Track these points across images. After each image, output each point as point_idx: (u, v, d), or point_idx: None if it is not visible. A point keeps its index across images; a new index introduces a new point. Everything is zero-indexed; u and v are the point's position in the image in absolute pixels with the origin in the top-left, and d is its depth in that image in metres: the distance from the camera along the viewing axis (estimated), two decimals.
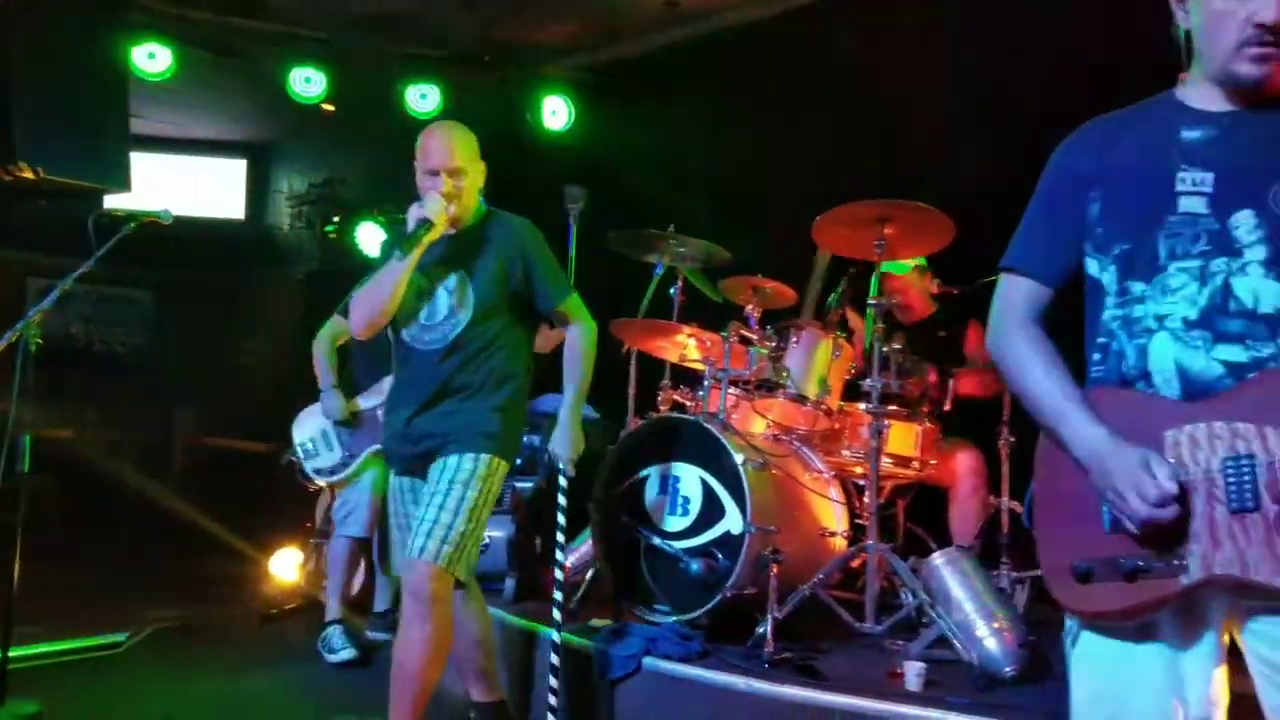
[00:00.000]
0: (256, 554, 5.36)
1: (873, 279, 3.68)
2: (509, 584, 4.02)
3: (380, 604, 4.54)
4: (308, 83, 5.92)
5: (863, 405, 3.74)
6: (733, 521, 3.48)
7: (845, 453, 3.94)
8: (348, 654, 4.19)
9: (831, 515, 3.78)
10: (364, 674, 4.10)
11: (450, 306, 2.96)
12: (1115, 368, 1.66)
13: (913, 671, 2.97)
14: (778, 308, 4.12)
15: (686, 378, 4.35)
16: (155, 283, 8.72)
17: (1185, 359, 1.58)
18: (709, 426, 3.59)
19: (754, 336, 3.89)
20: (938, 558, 3.33)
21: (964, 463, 4.04)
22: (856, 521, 3.84)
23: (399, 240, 2.89)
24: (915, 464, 3.86)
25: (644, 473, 3.72)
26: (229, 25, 5.76)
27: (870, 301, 3.66)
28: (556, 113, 6.13)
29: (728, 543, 3.47)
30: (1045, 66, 4.44)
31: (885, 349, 3.65)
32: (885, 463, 3.80)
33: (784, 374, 3.78)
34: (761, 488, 3.50)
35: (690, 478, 3.62)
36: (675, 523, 3.61)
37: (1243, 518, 1.47)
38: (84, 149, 5.11)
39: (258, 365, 7.96)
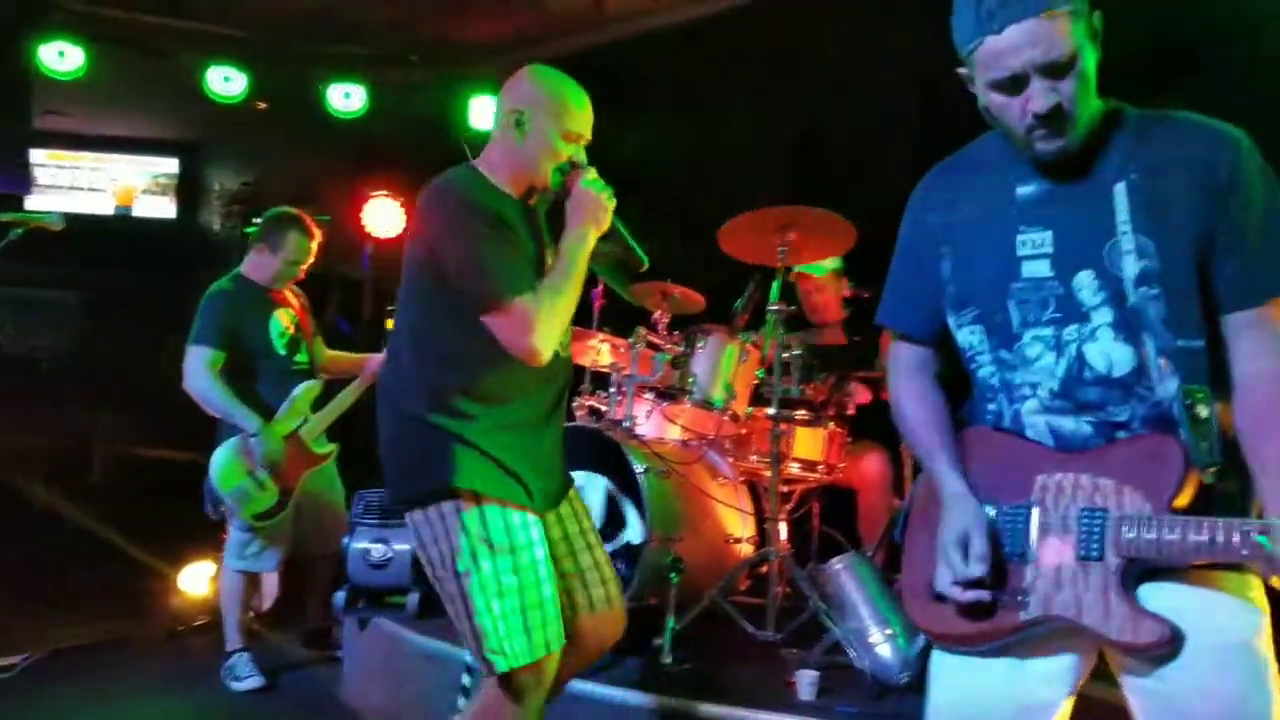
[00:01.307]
0: (167, 568, 5.22)
1: (774, 284, 3.65)
2: (412, 598, 3.93)
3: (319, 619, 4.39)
4: (227, 81, 5.81)
5: (768, 410, 3.71)
6: (634, 531, 3.44)
7: (753, 458, 3.92)
8: (254, 682, 3.97)
9: (737, 521, 3.76)
10: (273, 697, 3.96)
11: None
12: (993, 424, 1.73)
13: (806, 680, 2.94)
14: (686, 313, 4.08)
15: (606, 383, 4.31)
16: (83, 284, 8.52)
17: (1055, 423, 1.65)
18: (610, 435, 3.54)
19: (661, 342, 3.85)
20: (836, 563, 3.31)
21: (871, 465, 4.03)
22: (764, 527, 3.81)
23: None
24: (822, 468, 3.84)
25: None
26: (144, 23, 5.63)
27: (770, 307, 3.63)
28: (485, 112, 6.05)
29: (628, 553, 3.42)
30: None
31: (786, 354, 3.62)
32: (793, 467, 3.79)
33: (690, 379, 3.75)
34: (663, 496, 3.47)
35: (594, 487, 3.57)
36: None
37: (1086, 565, 1.56)
38: None
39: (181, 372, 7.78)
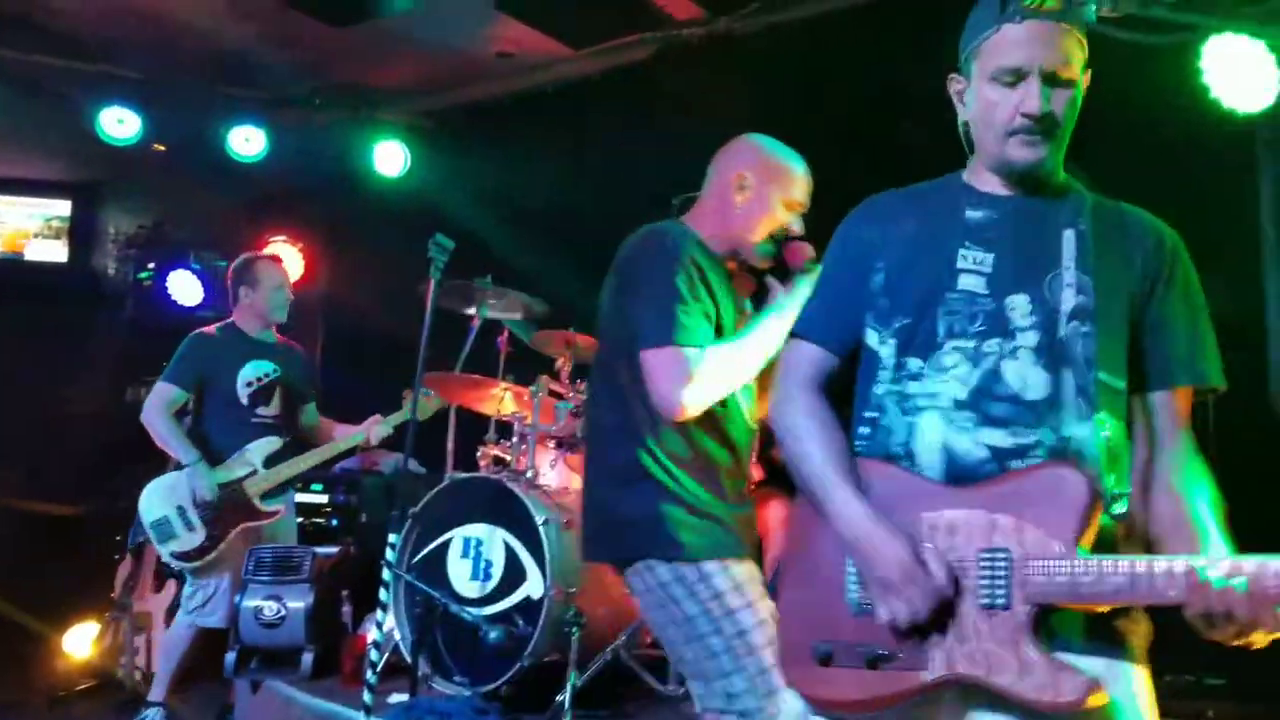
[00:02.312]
0: (49, 629, 4.95)
1: None
2: (306, 658, 3.77)
3: None
4: (120, 123, 5.63)
5: None
6: (534, 585, 3.36)
7: None
8: None
9: None
10: None
11: None
12: (883, 443, 1.62)
13: None
14: (589, 362, 4.03)
15: (511, 433, 4.23)
16: None
17: (951, 440, 1.55)
18: (511, 485, 3.47)
19: (564, 391, 3.80)
20: None
21: (775, 513, 3.99)
22: None
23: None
24: None
25: (448, 535, 3.57)
26: (38, 64, 5.44)
27: None
28: (391, 158, 5.97)
29: (528, 607, 3.34)
30: (884, 101, 4.53)
31: None
32: None
33: None
34: (564, 548, 3.39)
35: (494, 540, 3.49)
36: (477, 588, 3.47)
37: (991, 615, 1.42)
38: None
39: (78, 419, 7.48)
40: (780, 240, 2.32)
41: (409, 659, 3.39)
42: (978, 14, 1.65)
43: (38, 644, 4.99)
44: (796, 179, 2.34)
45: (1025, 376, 1.55)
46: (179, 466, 4.00)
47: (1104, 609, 1.42)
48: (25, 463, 7.74)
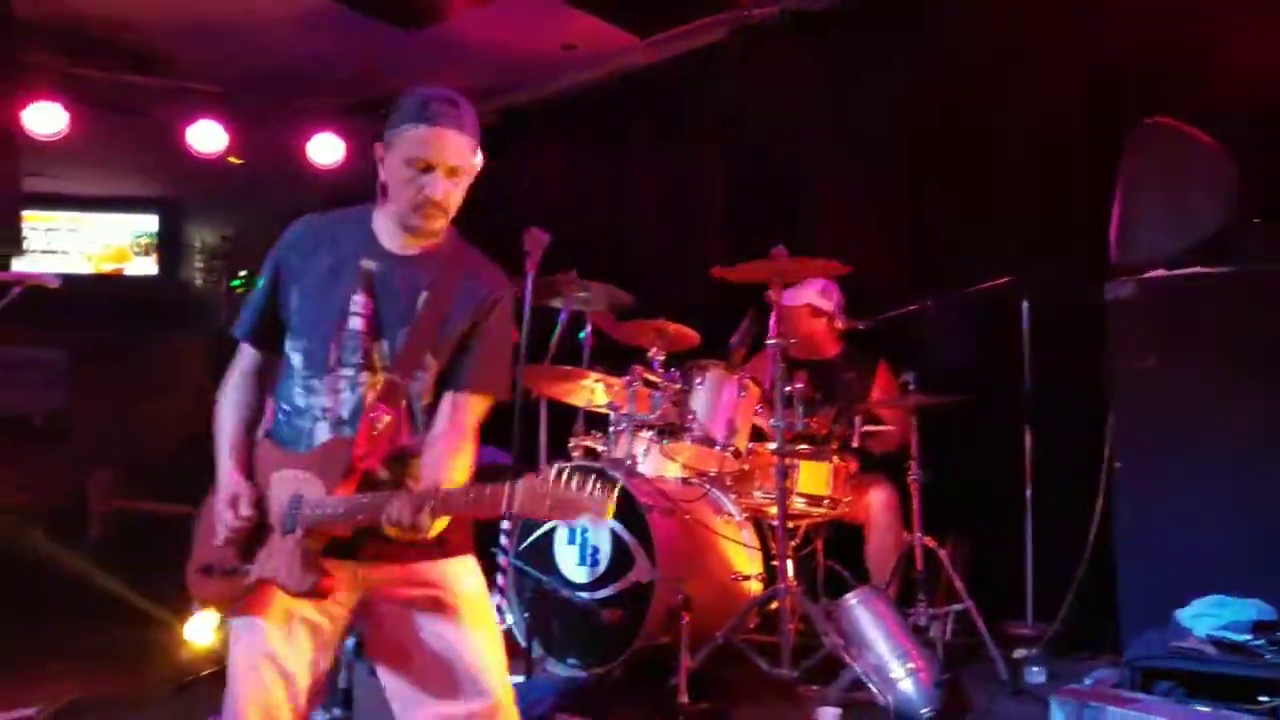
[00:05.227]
0: (172, 619, 5.14)
1: (771, 317, 3.65)
2: None
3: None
4: (206, 138, 5.78)
5: (770, 445, 3.70)
6: (642, 570, 3.41)
7: (757, 494, 3.90)
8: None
9: (744, 559, 3.73)
10: None
11: None
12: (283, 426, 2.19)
13: (827, 718, 2.91)
14: (681, 350, 4.07)
15: (601, 423, 4.28)
16: (69, 343, 8.54)
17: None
18: (613, 473, 3.52)
19: (658, 380, 3.83)
20: (850, 598, 3.29)
21: (878, 499, 4.01)
22: (771, 564, 3.78)
23: None
24: (828, 502, 3.82)
25: (553, 523, 3.63)
26: (123, 82, 5.61)
27: (769, 341, 3.63)
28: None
29: (637, 592, 3.39)
30: (951, 97, 4.50)
31: (788, 388, 3.61)
32: (797, 503, 3.76)
33: (690, 416, 3.73)
34: (669, 534, 3.44)
35: (599, 527, 3.54)
36: (585, 574, 3.53)
37: (285, 539, 2.07)
38: None
39: (173, 425, 7.75)
40: None
41: (522, 642, 3.48)
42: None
43: (161, 633, 5.18)
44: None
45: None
46: None
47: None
48: (129, 465, 8.09)
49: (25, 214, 6.84)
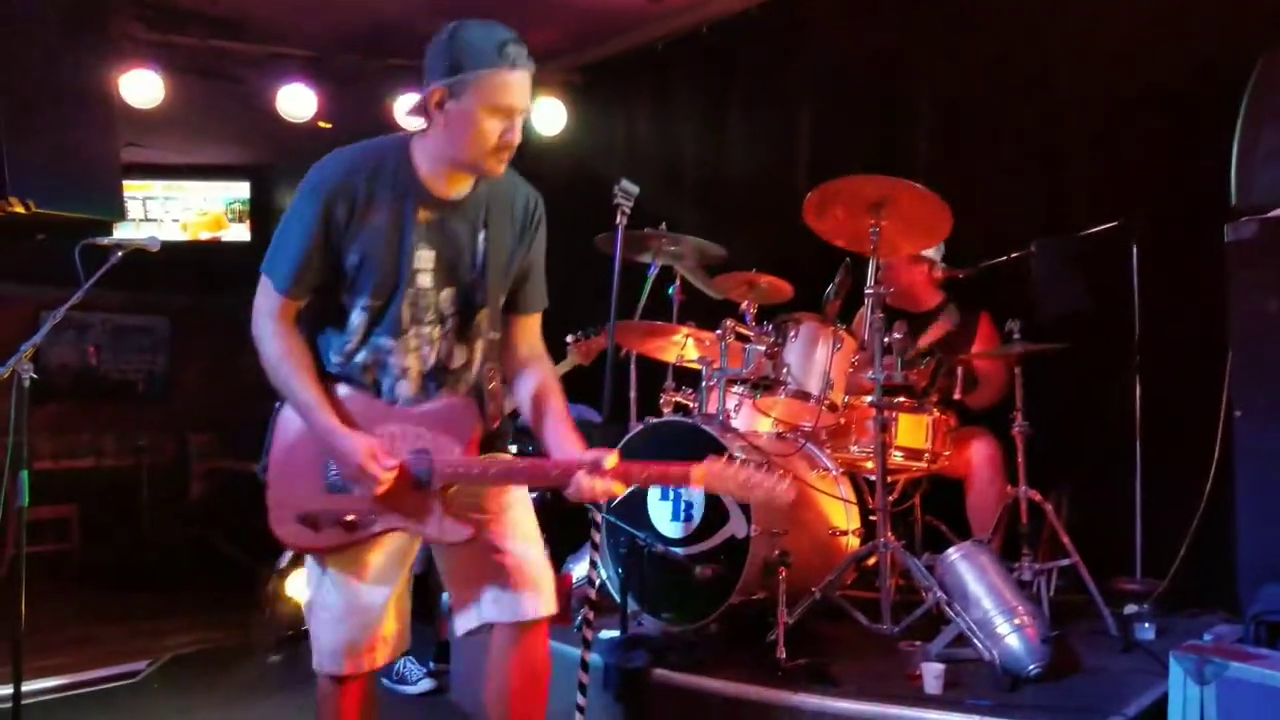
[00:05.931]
0: (273, 575, 5.30)
1: (870, 266, 3.55)
2: None
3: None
4: (298, 101, 5.84)
5: (867, 398, 3.62)
6: (737, 525, 3.37)
7: (853, 448, 3.82)
8: (427, 685, 4.06)
9: (841, 514, 3.67)
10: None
11: None
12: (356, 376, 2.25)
13: (931, 674, 2.85)
14: (774, 303, 4.00)
15: (690, 379, 4.24)
16: (170, 308, 8.83)
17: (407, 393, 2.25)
18: (707, 428, 3.48)
19: (750, 333, 3.77)
20: (953, 552, 3.22)
21: (979, 452, 3.90)
22: (869, 518, 3.71)
23: None
24: (927, 456, 3.72)
25: None
26: (214, 49, 5.70)
27: (867, 290, 3.54)
28: (550, 116, 6.03)
29: (733, 547, 3.36)
30: (1059, 43, 4.30)
31: (886, 339, 3.52)
32: (896, 456, 3.68)
33: (784, 370, 3.67)
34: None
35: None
36: (679, 529, 3.51)
37: (416, 491, 2.17)
38: (75, 181, 5.05)
39: (267, 388, 7.96)
40: None
41: (617, 597, 3.48)
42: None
43: (263, 588, 5.35)
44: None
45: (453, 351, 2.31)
46: None
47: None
48: (225, 427, 8.35)
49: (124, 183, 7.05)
